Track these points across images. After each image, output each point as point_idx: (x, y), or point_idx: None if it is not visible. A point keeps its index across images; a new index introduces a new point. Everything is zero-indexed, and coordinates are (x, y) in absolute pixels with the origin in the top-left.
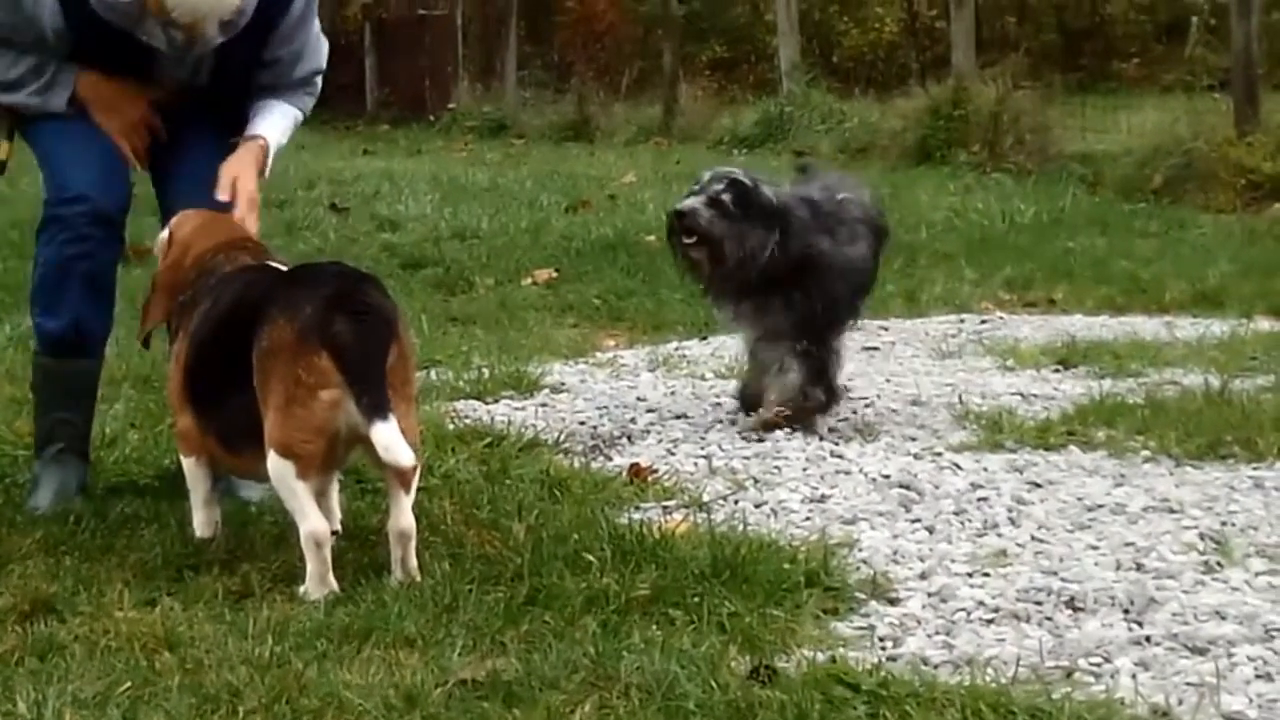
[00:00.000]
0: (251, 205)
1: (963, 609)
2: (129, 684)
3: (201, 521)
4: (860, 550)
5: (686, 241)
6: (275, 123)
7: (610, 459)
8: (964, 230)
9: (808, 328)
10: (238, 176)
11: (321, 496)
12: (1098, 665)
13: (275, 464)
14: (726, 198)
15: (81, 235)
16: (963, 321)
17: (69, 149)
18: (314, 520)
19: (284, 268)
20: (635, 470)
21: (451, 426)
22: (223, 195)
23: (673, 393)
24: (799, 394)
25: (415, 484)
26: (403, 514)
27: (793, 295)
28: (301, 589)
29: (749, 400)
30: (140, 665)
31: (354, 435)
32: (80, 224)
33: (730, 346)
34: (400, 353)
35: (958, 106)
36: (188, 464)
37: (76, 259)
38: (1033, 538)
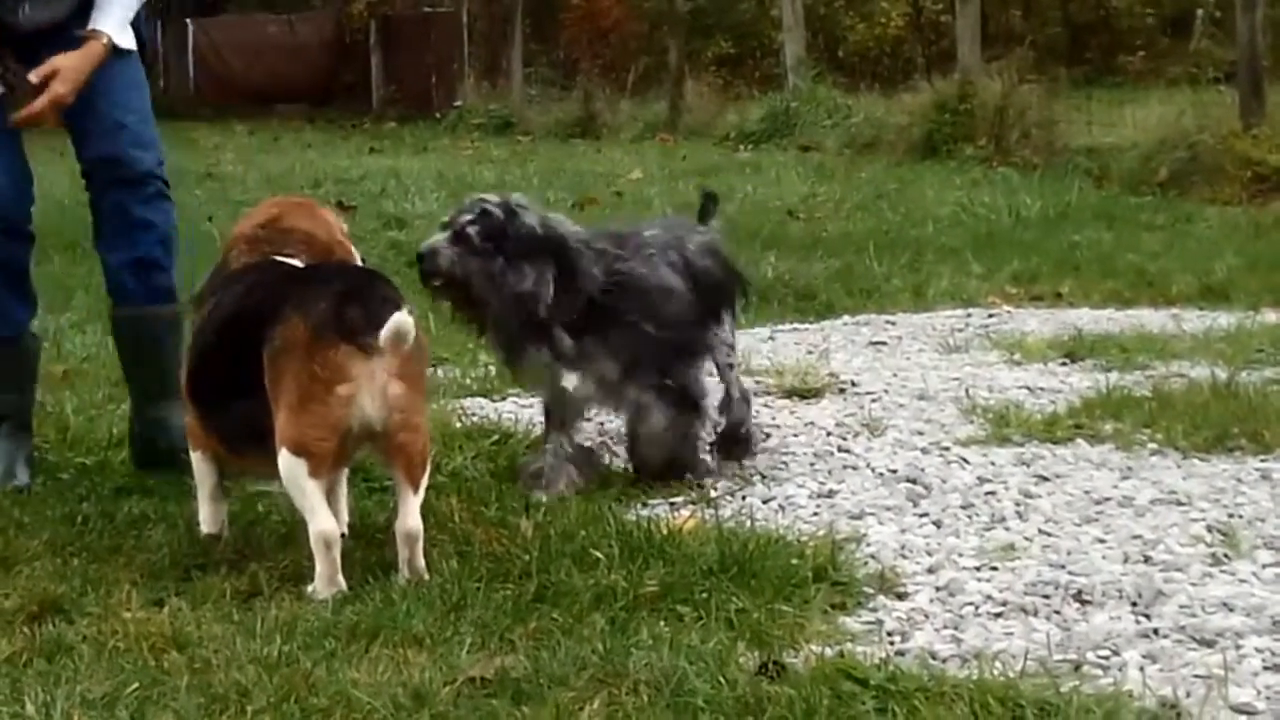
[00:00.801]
0: (55, 105)
1: (970, 603)
2: (137, 684)
3: (207, 516)
4: (868, 545)
5: (434, 285)
6: (113, 12)
7: (617, 455)
8: (970, 225)
9: (654, 360)
10: (58, 71)
11: (331, 496)
12: (1106, 658)
13: (287, 462)
14: (473, 231)
15: None
16: (969, 316)
17: None
18: (324, 520)
19: (293, 264)
20: None
21: (459, 424)
22: (35, 77)
23: None
24: (674, 435)
25: (423, 484)
26: (410, 515)
27: (621, 328)
28: (310, 588)
29: (541, 477)
30: (148, 665)
31: (365, 432)
32: None
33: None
34: (415, 345)
35: (963, 101)
36: (195, 458)
37: None
38: (1040, 531)
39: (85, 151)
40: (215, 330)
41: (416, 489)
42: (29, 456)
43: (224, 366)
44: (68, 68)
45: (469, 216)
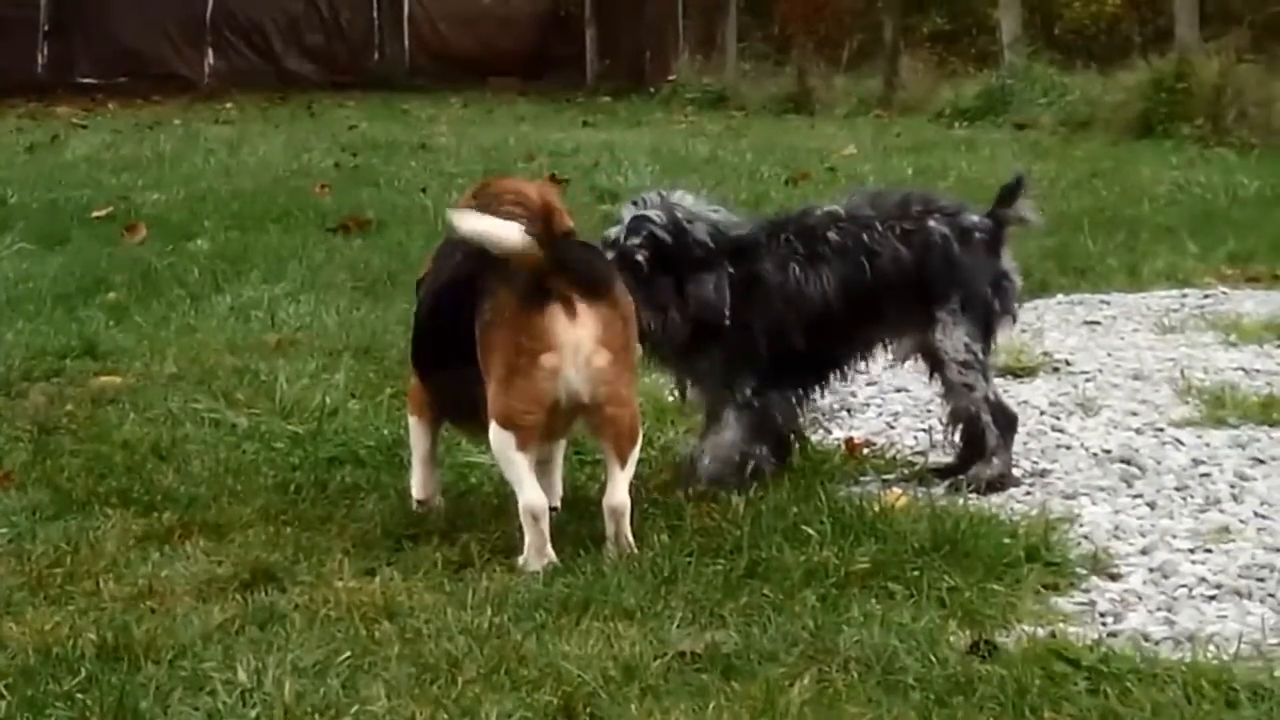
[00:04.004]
0: None
1: (1184, 585)
2: (348, 653)
3: (419, 482)
4: (1081, 525)
5: None
6: None
7: (830, 432)
8: (1186, 204)
9: (744, 368)
10: None
11: (544, 470)
12: None
13: (496, 435)
14: (641, 257)
15: None
16: (1185, 296)
17: None
18: (531, 493)
19: None
20: (850, 445)
21: (671, 399)
22: None
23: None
24: (734, 456)
25: (632, 459)
26: (617, 490)
27: (737, 333)
28: (520, 560)
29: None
30: (359, 634)
31: (574, 405)
32: None
33: None
34: (620, 316)
35: (1181, 80)
36: (411, 422)
37: None
38: (1255, 514)
39: None
40: (432, 300)
41: (625, 464)
42: None
43: (441, 337)
44: None
45: (635, 240)
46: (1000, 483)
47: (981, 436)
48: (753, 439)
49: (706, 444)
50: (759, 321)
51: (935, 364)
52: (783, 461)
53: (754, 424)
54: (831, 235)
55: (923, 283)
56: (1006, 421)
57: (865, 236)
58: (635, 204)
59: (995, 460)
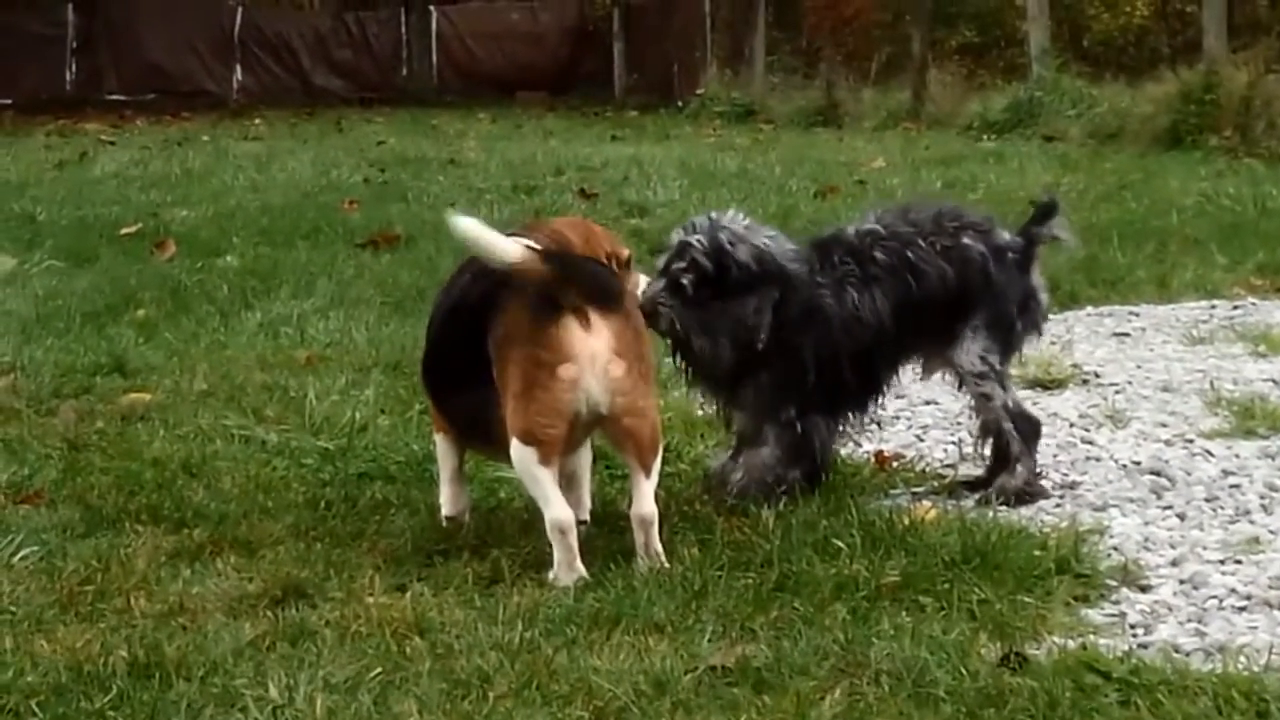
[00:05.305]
0: None
1: (1215, 596)
2: (379, 669)
3: (447, 497)
4: (1111, 537)
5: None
6: None
7: (859, 445)
8: (1215, 215)
9: (790, 391)
10: None
11: (571, 484)
12: None
13: (518, 452)
14: (687, 280)
15: None
16: (1214, 307)
17: None
18: (558, 507)
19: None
20: (880, 458)
21: (700, 412)
22: None
23: (920, 379)
24: (768, 477)
25: (655, 468)
26: (644, 500)
27: (775, 353)
28: (550, 575)
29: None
30: (390, 650)
31: (594, 416)
32: None
33: None
34: (633, 328)
35: (1209, 91)
36: (437, 438)
37: None
38: None
39: None
40: (440, 320)
41: (648, 473)
42: None
43: (450, 357)
44: None
45: (681, 264)
46: (1028, 492)
47: (1006, 445)
48: (789, 462)
49: (742, 459)
50: (812, 346)
51: (956, 378)
52: (814, 488)
53: (793, 446)
54: (879, 254)
55: (958, 300)
56: (1030, 428)
57: (910, 254)
58: (684, 229)
59: (1019, 468)
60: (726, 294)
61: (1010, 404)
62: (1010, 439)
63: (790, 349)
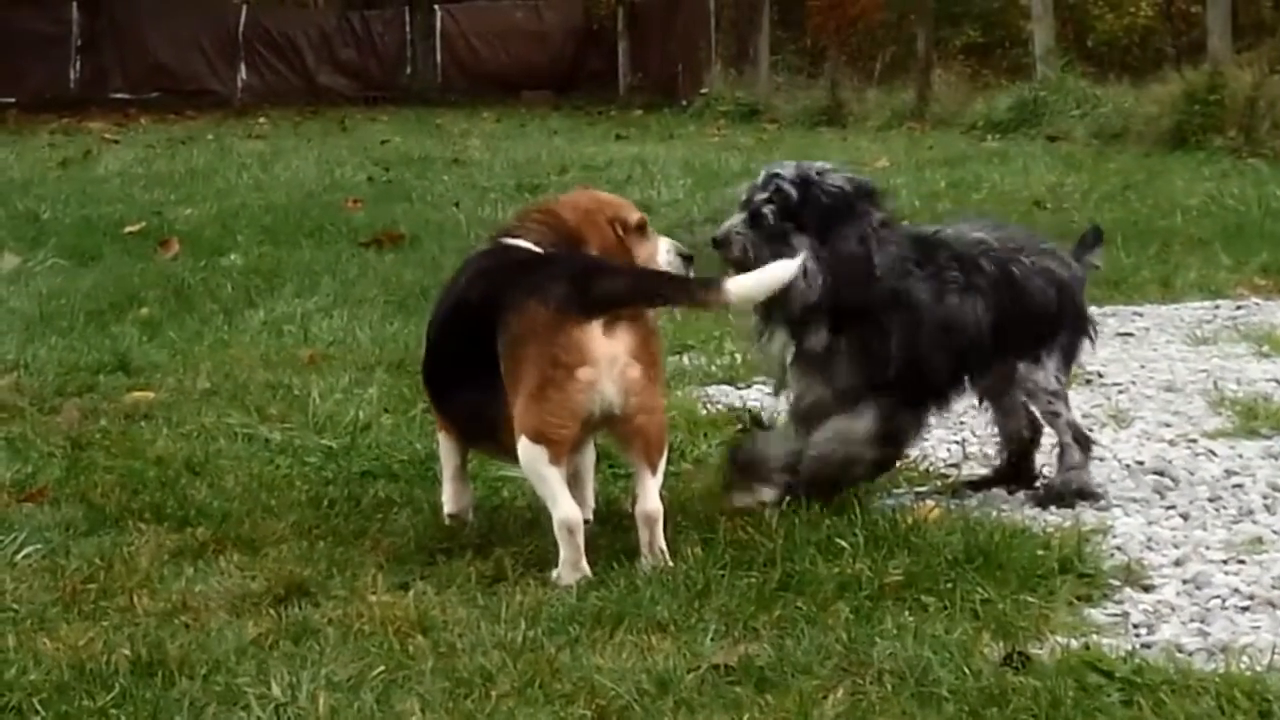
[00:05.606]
0: None
1: (1218, 596)
2: (382, 667)
3: (450, 496)
4: (1114, 537)
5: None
6: None
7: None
8: (1219, 216)
9: (881, 384)
10: None
11: (575, 483)
12: None
13: (527, 450)
14: (769, 210)
15: None
16: (1218, 307)
17: None
18: (566, 507)
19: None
20: None
21: (704, 411)
22: None
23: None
24: (851, 450)
25: (661, 466)
26: (649, 497)
27: (867, 340)
28: (554, 574)
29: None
30: (393, 649)
31: (606, 417)
32: None
33: None
34: (649, 327)
35: (1213, 92)
36: (440, 437)
37: None
38: None
39: None
40: (442, 319)
41: (655, 471)
42: None
43: (452, 356)
44: None
45: (764, 195)
46: (1089, 492)
47: (1066, 457)
48: (876, 441)
49: (832, 424)
50: (912, 341)
51: (1023, 394)
52: (874, 479)
53: (885, 423)
54: (985, 265)
55: (1052, 320)
56: (1086, 443)
57: (1016, 270)
58: (768, 167)
59: (1078, 472)
60: (820, 224)
61: (1072, 421)
62: (1069, 450)
63: (904, 304)
